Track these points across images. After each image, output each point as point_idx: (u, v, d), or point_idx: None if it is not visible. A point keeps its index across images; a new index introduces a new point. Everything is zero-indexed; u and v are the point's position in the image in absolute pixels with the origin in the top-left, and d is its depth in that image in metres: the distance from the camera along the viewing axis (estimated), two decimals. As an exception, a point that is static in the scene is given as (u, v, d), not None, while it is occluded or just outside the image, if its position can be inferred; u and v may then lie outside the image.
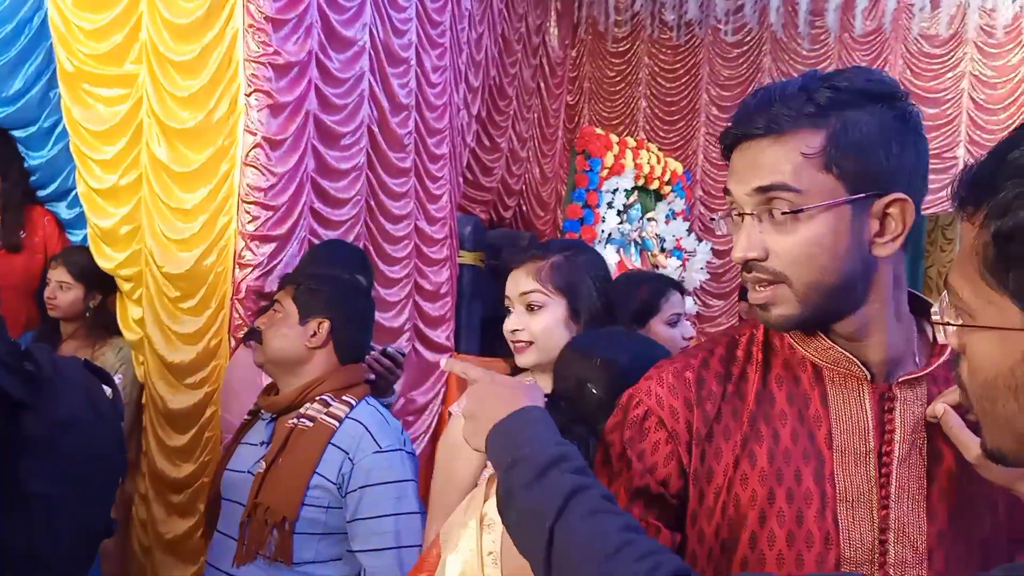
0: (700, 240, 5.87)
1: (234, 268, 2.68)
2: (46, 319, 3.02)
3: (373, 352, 2.31)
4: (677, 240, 5.50)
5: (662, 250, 5.38)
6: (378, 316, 3.60)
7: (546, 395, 1.46)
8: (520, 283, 1.59)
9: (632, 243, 5.12)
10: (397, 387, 2.38)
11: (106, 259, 2.85)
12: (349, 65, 3.19)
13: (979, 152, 5.78)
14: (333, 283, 1.93)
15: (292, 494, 1.72)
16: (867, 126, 0.87)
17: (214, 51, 2.67)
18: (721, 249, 6.09)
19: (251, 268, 2.68)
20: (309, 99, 2.91)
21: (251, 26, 2.64)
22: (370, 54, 3.36)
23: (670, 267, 5.39)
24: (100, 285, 2.84)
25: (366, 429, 1.78)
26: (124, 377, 2.84)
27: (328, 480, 1.74)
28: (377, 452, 1.75)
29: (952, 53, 5.71)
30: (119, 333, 2.88)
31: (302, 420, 1.79)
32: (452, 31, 4.18)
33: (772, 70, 6.05)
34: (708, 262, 5.83)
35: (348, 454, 1.75)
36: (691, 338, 2.21)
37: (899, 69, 5.80)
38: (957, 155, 5.67)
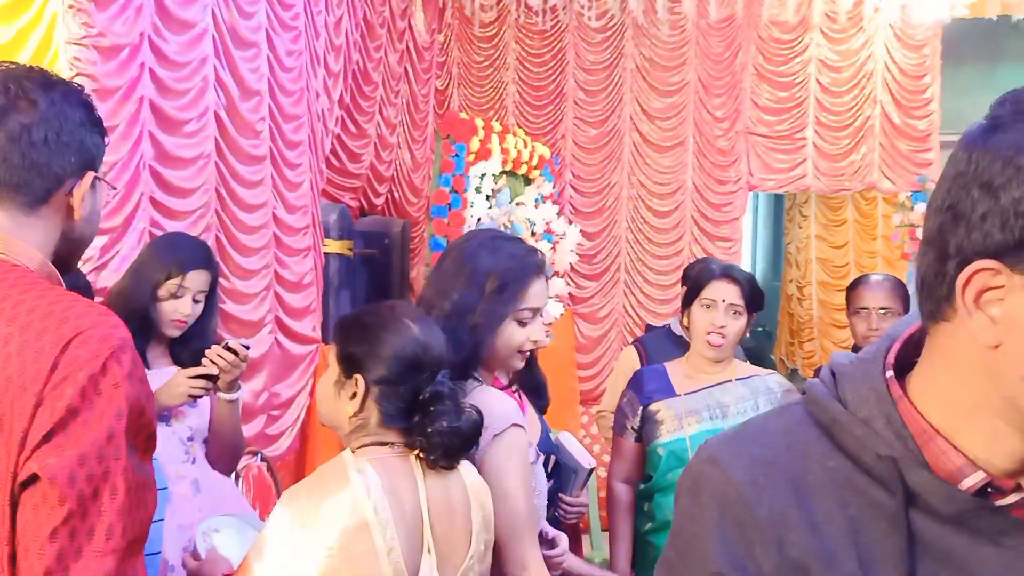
0: (570, 223, 5.97)
1: (63, 263, 2.53)
2: None
3: (214, 346, 2.23)
4: (547, 224, 5.58)
5: (532, 234, 5.44)
6: (235, 309, 3.49)
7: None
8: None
9: (502, 227, 5.15)
10: (259, 381, 2.32)
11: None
12: (189, 48, 3.05)
13: (827, 133, 6.15)
14: None
15: None
16: None
17: (31, 33, 2.50)
18: (591, 231, 6.21)
19: (82, 263, 2.53)
20: (143, 83, 2.77)
21: (71, 7, 2.49)
22: (214, 37, 3.23)
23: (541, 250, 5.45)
24: None
25: None
26: None
27: None
28: None
29: (800, 39, 5.99)
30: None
31: None
32: (307, 14, 4.07)
33: (635, 55, 6.19)
34: (578, 244, 5.93)
35: None
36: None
37: (752, 54, 6.04)
38: (806, 136, 5.97)
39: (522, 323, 1.70)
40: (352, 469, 1.40)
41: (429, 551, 1.37)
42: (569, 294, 5.99)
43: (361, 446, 1.45)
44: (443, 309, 1.66)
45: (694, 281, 2.39)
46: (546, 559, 1.73)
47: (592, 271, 6.22)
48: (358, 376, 1.45)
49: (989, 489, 0.67)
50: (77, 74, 2.51)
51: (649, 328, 3.41)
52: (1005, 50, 6.30)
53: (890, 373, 0.71)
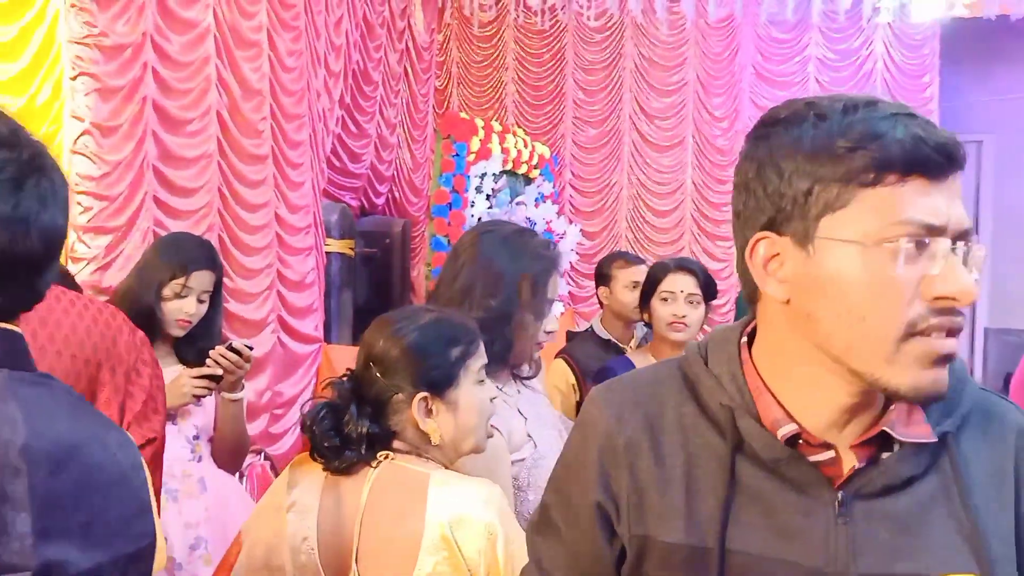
0: (570, 222, 5.98)
1: (66, 262, 2.53)
2: None
3: (218, 347, 2.23)
4: (547, 223, 5.59)
5: (533, 233, 5.45)
6: (238, 308, 3.50)
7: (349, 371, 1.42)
8: None
9: (502, 227, 5.16)
10: (269, 381, 2.32)
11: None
12: (191, 48, 3.06)
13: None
14: None
15: None
16: None
17: (34, 32, 2.50)
18: (591, 231, 6.22)
19: (85, 262, 2.54)
20: (145, 83, 2.77)
21: (73, 5, 2.49)
22: (215, 36, 3.24)
23: (541, 250, 5.46)
24: None
25: None
26: None
27: None
28: None
29: (799, 38, 6.00)
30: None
31: None
32: (308, 14, 4.07)
33: (634, 55, 6.20)
34: (578, 243, 5.94)
35: None
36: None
37: (751, 54, 6.06)
38: (806, 135, 5.96)
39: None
40: (292, 463, 1.44)
41: (356, 561, 1.29)
42: (569, 293, 5.99)
43: None
44: (475, 314, 1.55)
45: (650, 276, 2.47)
46: None
47: (592, 270, 6.22)
48: None
49: (802, 441, 0.79)
50: (79, 73, 2.52)
51: (571, 335, 3.34)
52: (1002, 50, 6.31)
53: (744, 340, 0.85)
